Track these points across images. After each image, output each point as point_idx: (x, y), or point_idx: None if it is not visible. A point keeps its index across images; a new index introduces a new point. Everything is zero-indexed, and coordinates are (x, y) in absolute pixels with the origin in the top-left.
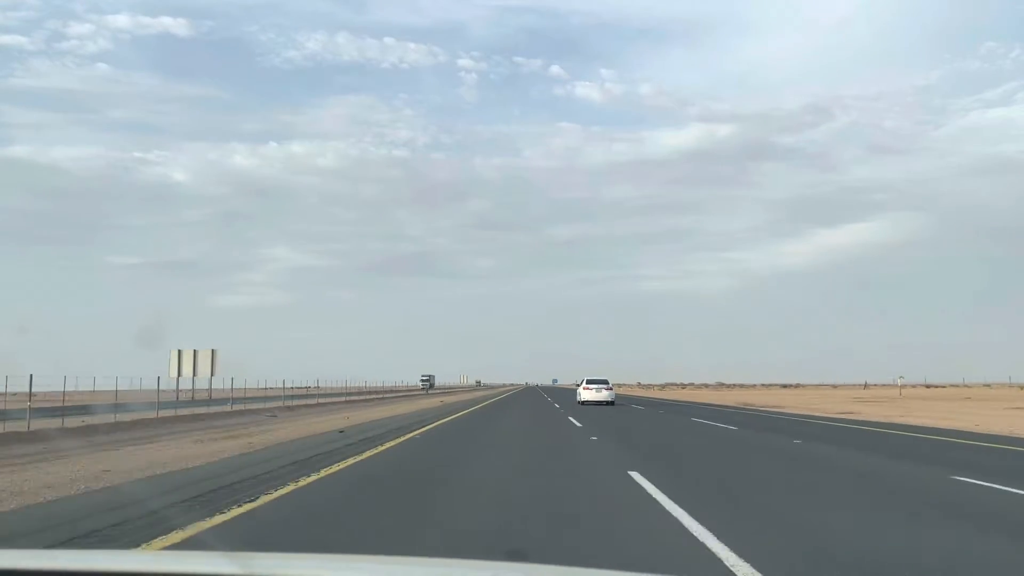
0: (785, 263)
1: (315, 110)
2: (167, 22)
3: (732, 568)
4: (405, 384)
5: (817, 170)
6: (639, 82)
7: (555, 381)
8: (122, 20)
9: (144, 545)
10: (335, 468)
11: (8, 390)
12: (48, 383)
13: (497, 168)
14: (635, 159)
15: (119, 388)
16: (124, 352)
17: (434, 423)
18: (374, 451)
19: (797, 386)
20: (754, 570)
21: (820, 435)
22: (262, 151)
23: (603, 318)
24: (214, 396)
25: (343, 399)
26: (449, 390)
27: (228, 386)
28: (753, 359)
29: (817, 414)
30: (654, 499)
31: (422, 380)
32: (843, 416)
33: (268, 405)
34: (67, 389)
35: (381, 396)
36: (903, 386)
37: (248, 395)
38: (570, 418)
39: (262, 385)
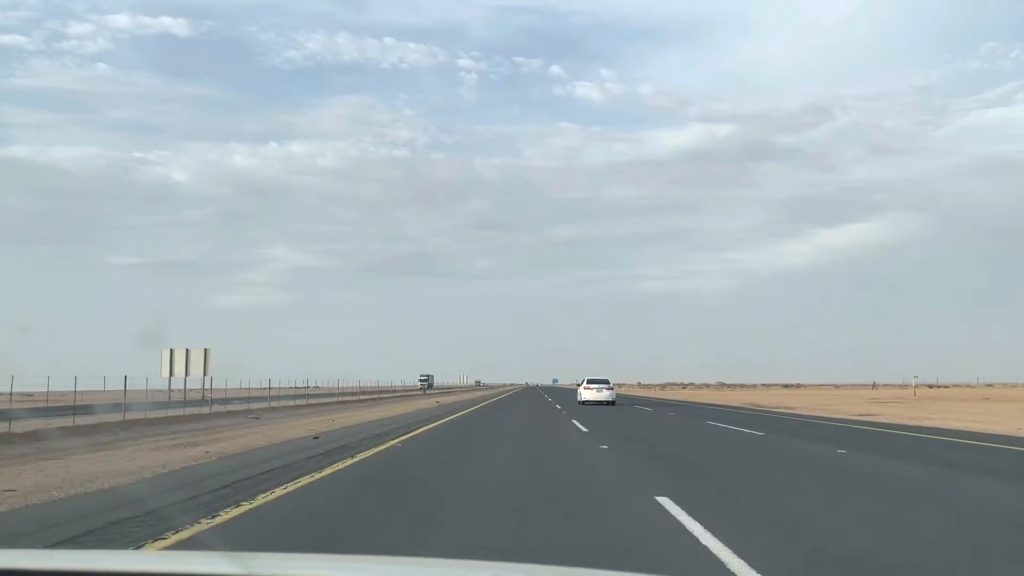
0: (785, 263)
1: (315, 110)
2: (167, 22)
3: None
4: (404, 384)
5: (817, 170)
6: (639, 82)
7: (555, 381)
8: (122, 20)
9: (144, 545)
10: (276, 493)
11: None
12: (40, 383)
13: (497, 168)
14: (635, 159)
15: (107, 388)
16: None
17: (421, 428)
18: (338, 466)
19: (798, 386)
20: None
21: (864, 443)
22: (262, 151)
23: (603, 318)
24: (206, 397)
25: (336, 399)
26: (448, 390)
27: (222, 386)
28: (753, 359)
29: (837, 416)
30: (705, 548)
31: (420, 380)
32: (867, 418)
33: (253, 406)
34: (60, 390)
35: (377, 397)
36: (917, 386)
37: (247, 395)
38: (574, 422)
39: (262, 385)
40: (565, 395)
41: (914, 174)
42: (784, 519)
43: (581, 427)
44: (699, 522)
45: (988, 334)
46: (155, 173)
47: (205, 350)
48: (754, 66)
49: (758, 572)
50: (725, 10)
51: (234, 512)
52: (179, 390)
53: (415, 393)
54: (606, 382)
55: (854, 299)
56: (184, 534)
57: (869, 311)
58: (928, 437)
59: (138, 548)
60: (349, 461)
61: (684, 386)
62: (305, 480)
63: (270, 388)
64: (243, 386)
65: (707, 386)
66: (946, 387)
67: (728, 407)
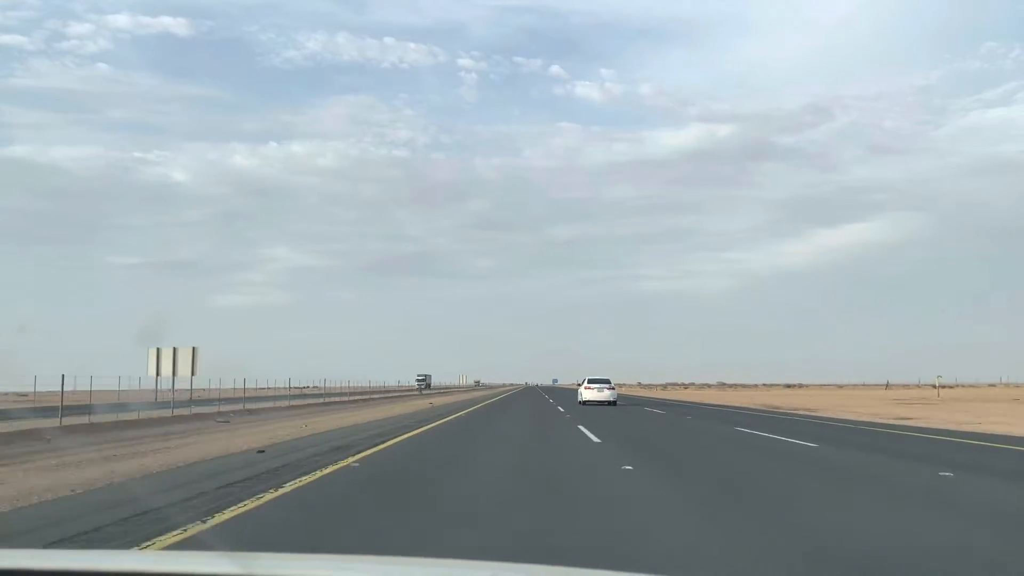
0: (785, 263)
1: (315, 110)
2: (167, 22)
3: None
4: (402, 384)
5: (817, 170)
6: (639, 82)
7: (555, 381)
8: (122, 20)
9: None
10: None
11: None
12: (40, 383)
13: (497, 168)
14: (635, 159)
15: (102, 389)
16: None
17: (397, 437)
18: (238, 510)
19: (800, 386)
20: None
21: (957, 459)
22: (262, 151)
23: (603, 318)
24: (194, 397)
25: (323, 401)
26: (446, 390)
27: (216, 386)
28: (753, 359)
29: (874, 420)
30: None
31: (418, 380)
32: (908, 422)
33: (237, 407)
34: (56, 390)
35: (368, 397)
36: (940, 386)
37: (242, 395)
38: (581, 428)
39: (258, 385)
40: (566, 395)
41: (914, 174)
42: None
43: (591, 436)
44: None
45: (989, 334)
46: (155, 173)
47: (193, 349)
48: (754, 66)
49: None
50: (725, 10)
51: None
52: (173, 390)
53: (411, 393)
54: (607, 382)
55: (854, 299)
56: None
57: (870, 311)
58: (1007, 448)
59: (139, 548)
60: (267, 496)
61: (686, 386)
62: (167, 538)
63: (257, 388)
64: (240, 386)
65: (708, 386)
66: (951, 387)
67: (746, 409)
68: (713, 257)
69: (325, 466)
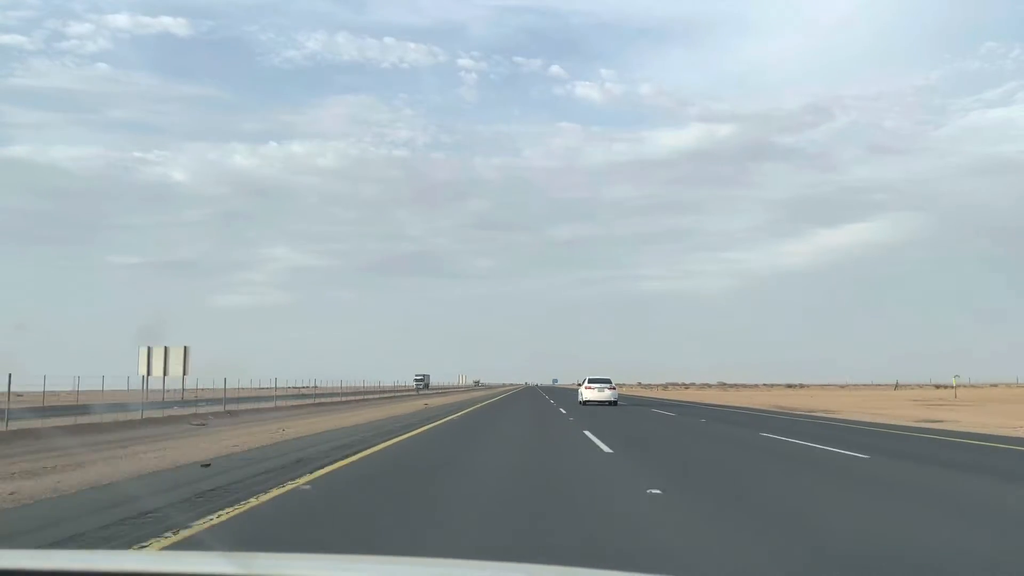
0: (785, 263)
1: (315, 110)
2: (167, 22)
3: None
4: (401, 384)
5: (817, 170)
6: (639, 82)
7: (555, 381)
8: (122, 20)
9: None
10: None
11: None
12: (36, 383)
13: (497, 168)
14: (635, 159)
15: (85, 389)
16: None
17: (377, 445)
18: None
19: (801, 386)
20: None
21: None
22: (262, 151)
23: (603, 318)
24: (195, 397)
25: (312, 402)
26: (444, 391)
27: (216, 386)
28: (753, 359)
29: (906, 423)
30: None
31: (415, 380)
32: (941, 425)
33: (209, 410)
34: (56, 389)
35: (363, 398)
36: (958, 386)
37: (236, 396)
38: (588, 435)
39: (255, 385)
40: (566, 396)
41: (914, 174)
42: None
43: (600, 444)
44: None
45: (989, 334)
46: (155, 173)
47: (185, 348)
48: (754, 66)
49: None
50: (725, 10)
51: None
52: (164, 390)
53: (408, 394)
54: (608, 382)
55: (855, 299)
56: None
57: (870, 311)
58: None
59: (138, 548)
60: (173, 537)
61: (686, 386)
62: None
63: (253, 388)
64: (239, 386)
65: (709, 386)
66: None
67: (758, 411)
68: (713, 257)
69: (268, 489)
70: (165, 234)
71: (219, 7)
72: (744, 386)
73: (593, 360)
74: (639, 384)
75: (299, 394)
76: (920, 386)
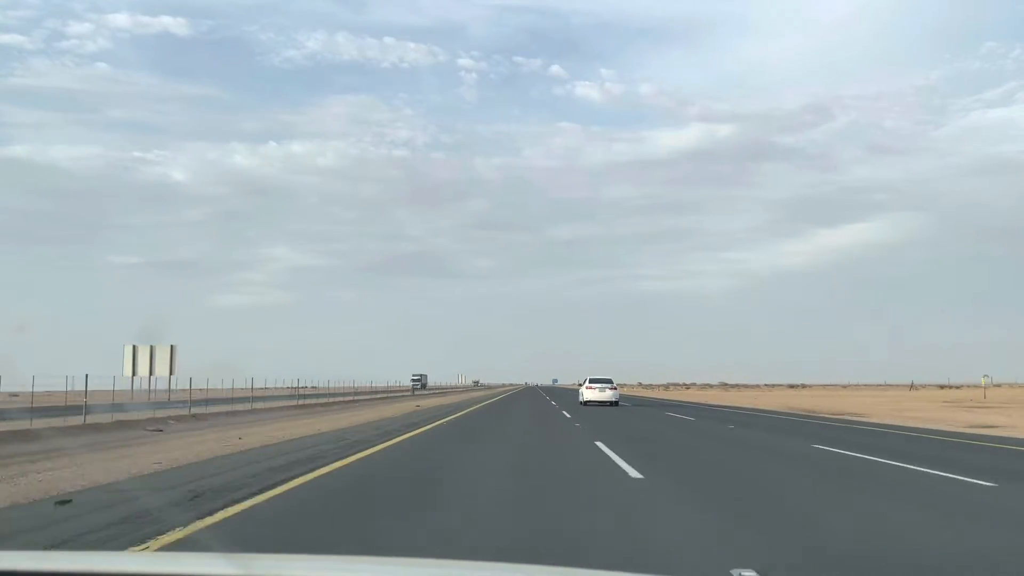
0: (785, 263)
1: (315, 110)
2: (167, 21)
3: None
4: (399, 384)
5: (817, 170)
6: (639, 82)
7: (555, 381)
8: (121, 19)
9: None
10: None
11: None
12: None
13: (497, 168)
14: (635, 159)
15: (82, 389)
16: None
17: (337, 462)
18: None
19: (803, 387)
20: None
21: None
22: (262, 151)
23: (603, 318)
24: (177, 398)
25: (295, 404)
26: (442, 391)
27: (206, 386)
28: (753, 359)
29: (959, 429)
30: None
31: (413, 380)
32: (999, 432)
33: (172, 413)
34: (52, 390)
35: (353, 399)
36: (988, 387)
37: (230, 396)
38: (599, 446)
39: (255, 385)
40: (568, 396)
41: (914, 174)
42: None
43: (621, 463)
44: None
45: (990, 334)
46: (155, 173)
47: (171, 347)
48: (754, 66)
49: None
50: (725, 10)
51: None
52: (150, 390)
53: (404, 394)
54: (609, 382)
55: (855, 299)
56: None
57: (870, 311)
58: None
59: (137, 549)
60: None
61: (687, 386)
62: None
63: (248, 388)
64: (241, 386)
65: (710, 386)
66: (956, 387)
67: (782, 414)
68: (713, 257)
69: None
70: (165, 234)
71: (219, 7)
72: (745, 386)
73: (593, 360)
74: (639, 384)
75: (291, 394)
76: (940, 387)
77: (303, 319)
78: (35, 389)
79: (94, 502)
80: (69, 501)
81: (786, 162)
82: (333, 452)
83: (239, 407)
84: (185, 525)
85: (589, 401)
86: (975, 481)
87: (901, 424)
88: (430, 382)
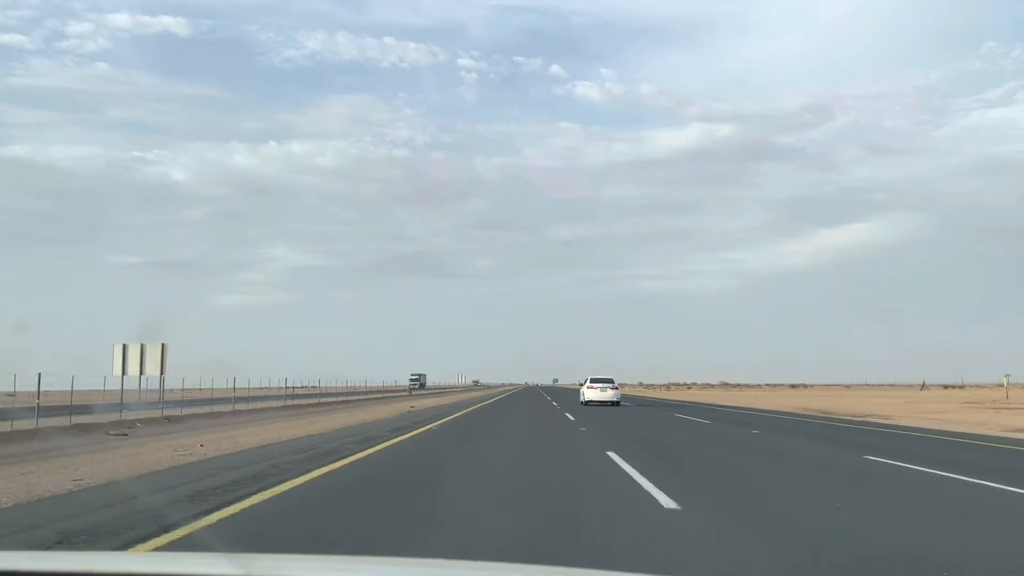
0: (785, 263)
1: (315, 109)
2: (167, 21)
3: None
4: (398, 384)
5: (817, 170)
6: (639, 82)
7: (556, 381)
8: (121, 19)
9: (142, 545)
10: None
11: None
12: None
13: (497, 168)
14: (635, 159)
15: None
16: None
17: (293, 480)
18: None
19: (804, 387)
20: None
21: None
22: (262, 151)
23: (603, 318)
24: (169, 398)
25: (281, 404)
26: (440, 391)
27: (196, 385)
28: (754, 359)
29: (1009, 435)
30: None
31: (410, 380)
32: None
33: (143, 415)
34: (52, 390)
35: (346, 399)
36: (1010, 386)
37: (231, 396)
38: (615, 459)
39: (253, 385)
40: (569, 397)
41: (914, 174)
42: None
43: (646, 485)
44: None
45: (990, 334)
46: (155, 172)
47: (162, 345)
48: (754, 66)
49: None
50: (725, 10)
51: None
52: (140, 390)
53: (400, 394)
54: (610, 381)
55: (855, 299)
56: None
57: (871, 311)
58: None
59: (137, 548)
60: None
61: (688, 386)
62: None
63: (246, 388)
64: (233, 386)
65: (711, 386)
66: (960, 387)
67: (800, 416)
68: (713, 257)
69: None
70: (165, 234)
71: (219, 7)
72: (747, 386)
73: (594, 360)
74: (640, 384)
75: (283, 395)
76: (944, 386)
77: (303, 319)
78: (17, 388)
79: None
80: None
81: (786, 162)
82: (296, 467)
83: (221, 408)
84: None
85: (590, 401)
86: None
87: (938, 428)
88: (430, 382)
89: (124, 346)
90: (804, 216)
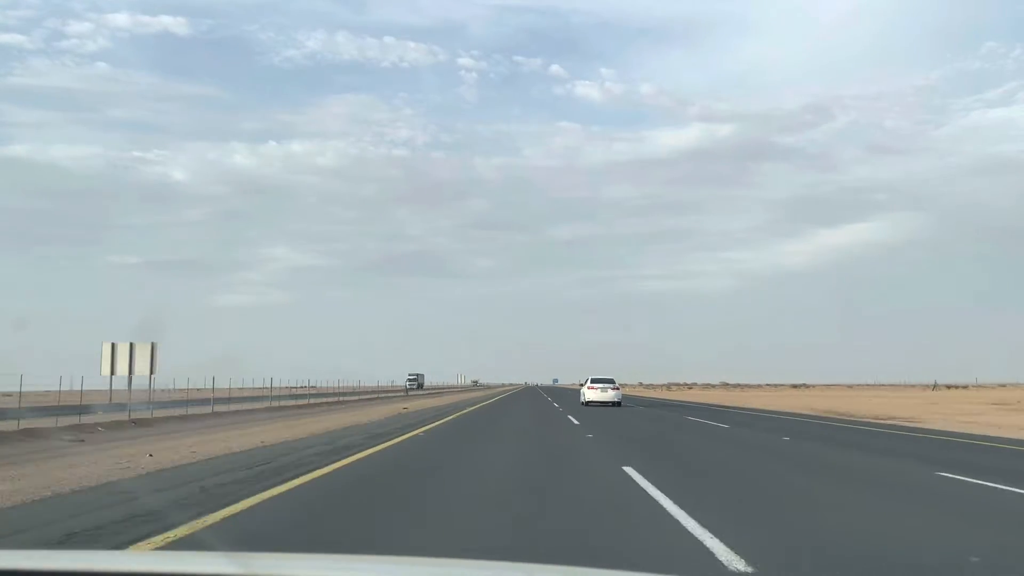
0: (786, 263)
1: (315, 109)
2: (166, 21)
3: None
4: (396, 384)
5: (817, 170)
6: (639, 82)
7: (555, 381)
8: (121, 19)
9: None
10: None
11: None
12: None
13: (497, 168)
14: (635, 159)
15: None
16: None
17: (237, 504)
18: None
19: (805, 387)
20: None
21: None
22: (262, 150)
23: (603, 318)
24: (158, 398)
25: (267, 404)
26: (439, 391)
27: (189, 385)
28: (754, 359)
29: None
30: None
31: (408, 380)
32: None
33: (108, 418)
34: (49, 389)
35: (339, 400)
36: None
37: (227, 396)
38: (635, 478)
39: (254, 385)
40: (570, 397)
41: (914, 174)
42: None
43: (691, 527)
44: None
45: (990, 334)
46: (155, 172)
47: (152, 344)
48: (754, 66)
49: None
50: (725, 10)
51: None
52: (130, 390)
53: (396, 394)
54: (611, 381)
55: (855, 299)
56: None
57: (870, 311)
58: None
59: (137, 548)
60: None
61: (689, 386)
62: None
63: (243, 388)
64: (231, 385)
65: (712, 386)
66: (960, 387)
67: (821, 419)
68: (713, 257)
69: None
70: (165, 234)
71: (219, 6)
72: (748, 386)
73: (594, 360)
74: (640, 384)
75: (281, 395)
76: (947, 387)
77: (303, 319)
78: (7, 389)
79: None
80: None
81: (786, 162)
82: (251, 483)
83: (198, 410)
84: None
85: (591, 401)
86: None
87: (990, 435)
88: (429, 382)
89: (113, 345)
90: (804, 216)
